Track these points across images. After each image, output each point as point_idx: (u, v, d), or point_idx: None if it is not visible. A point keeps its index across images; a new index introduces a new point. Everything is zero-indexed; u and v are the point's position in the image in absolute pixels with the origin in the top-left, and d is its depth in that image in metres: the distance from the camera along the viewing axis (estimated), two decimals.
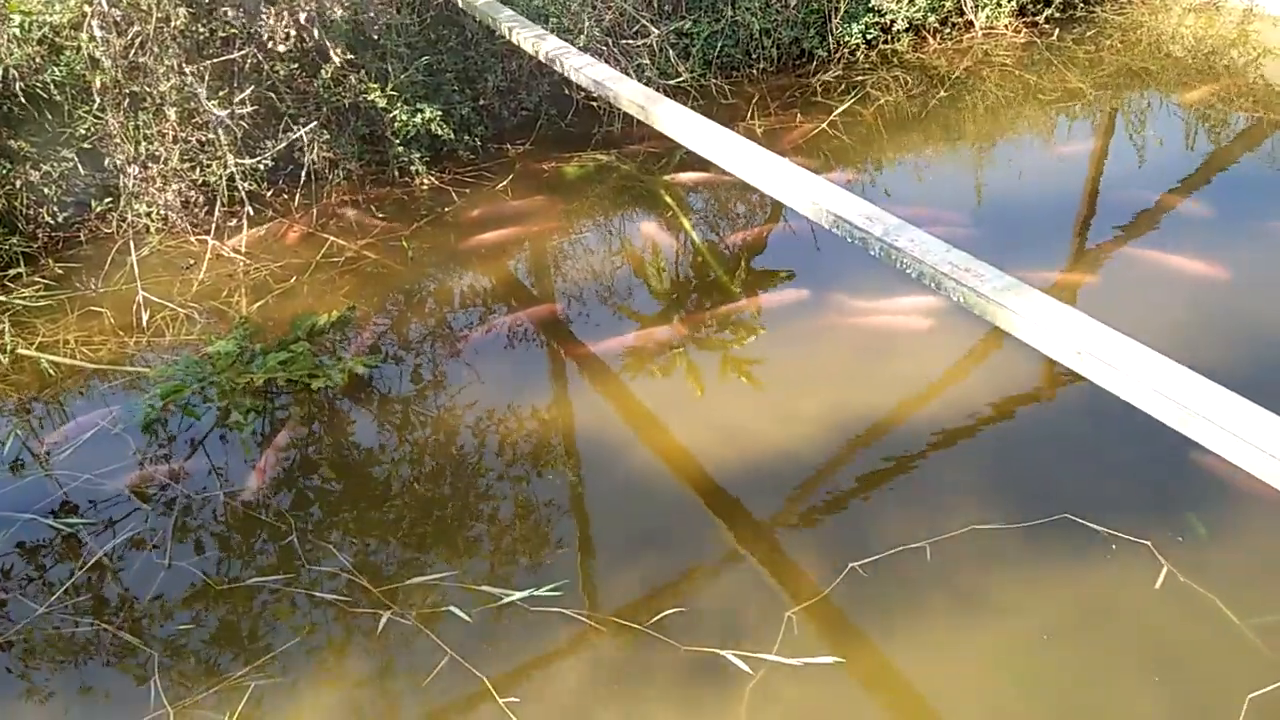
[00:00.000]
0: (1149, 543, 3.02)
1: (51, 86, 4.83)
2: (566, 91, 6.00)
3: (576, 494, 3.46)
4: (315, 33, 4.83)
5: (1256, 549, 3.05)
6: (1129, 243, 4.72)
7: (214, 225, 4.93)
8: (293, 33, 4.67)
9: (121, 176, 4.97)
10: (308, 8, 4.76)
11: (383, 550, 3.24)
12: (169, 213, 4.99)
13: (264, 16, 4.70)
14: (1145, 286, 4.34)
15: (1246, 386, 2.24)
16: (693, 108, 3.94)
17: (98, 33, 4.70)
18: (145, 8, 4.71)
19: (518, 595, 2.98)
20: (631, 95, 4.06)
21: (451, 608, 2.96)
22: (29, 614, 3.04)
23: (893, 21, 6.82)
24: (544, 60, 4.75)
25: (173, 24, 4.74)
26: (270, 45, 4.74)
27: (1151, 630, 2.80)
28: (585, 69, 4.39)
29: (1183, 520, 3.09)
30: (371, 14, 5.04)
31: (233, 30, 4.88)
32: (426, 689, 2.75)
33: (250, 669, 2.84)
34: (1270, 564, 3.01)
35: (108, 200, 5.01)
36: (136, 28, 4.76)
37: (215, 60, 4.87)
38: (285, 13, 4.70)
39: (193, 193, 5.03)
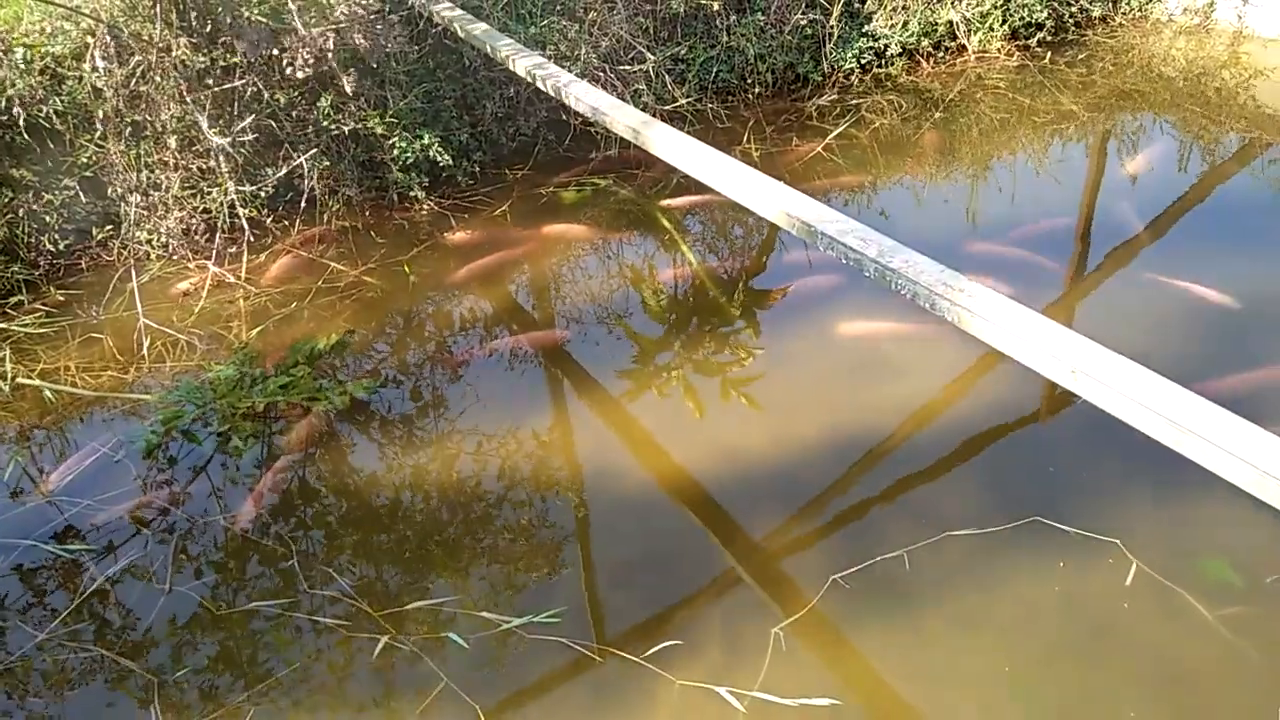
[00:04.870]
0: (1117, 541, 3.08)
1: (54, 116, 4.88)
2: (564, 117, 6.05)
3: (575, 517, 3.47)
4: (330, 63, 4.89)
5: (1213, 541, 3.13)
6: (1124, 263, 4.75)
7: (215, 252, 4.96)
8: (312, 59, 4.73)
9: (123, 204, 5.02)
10: (328, 36, 4.82)
11: (383, 574, 3.25)
12: (170, 240, 5.03)
13: (285, 44, 4.76)
14: (1140, 306, 4.36)
15: (1240, 405, 2.26)
16: (689, 132, 3.98)
17: (100, 63, 4.76)
18: (147, 38, 4.78)
19: (516, 622, 2.98)
20: (628, 122, 4.10)
21: (450, 634, 2.96)
22: (29, 640, 3.04)
23: (886, 46, 6.89)
24: (541, 87, 4.80)
25: (174, 54, 4.80)
26: (290, 72, 4.79)
27: (1143, 639, 2.82)
28: (582, 95, 4.43)
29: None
30: (384, 42, 5.10)
31: (234, 59, 4.93)
32: (420, 716, 2.75)
33: (249, 695, 2.84)
34: (1226, 554, 3.08)
35: (109, 228, 5.05)
36: (138, 58, 4.82)
37: (216, 89, 4.93)
38: (307, 40, 4.75)
39: (193, 220, 5.07)
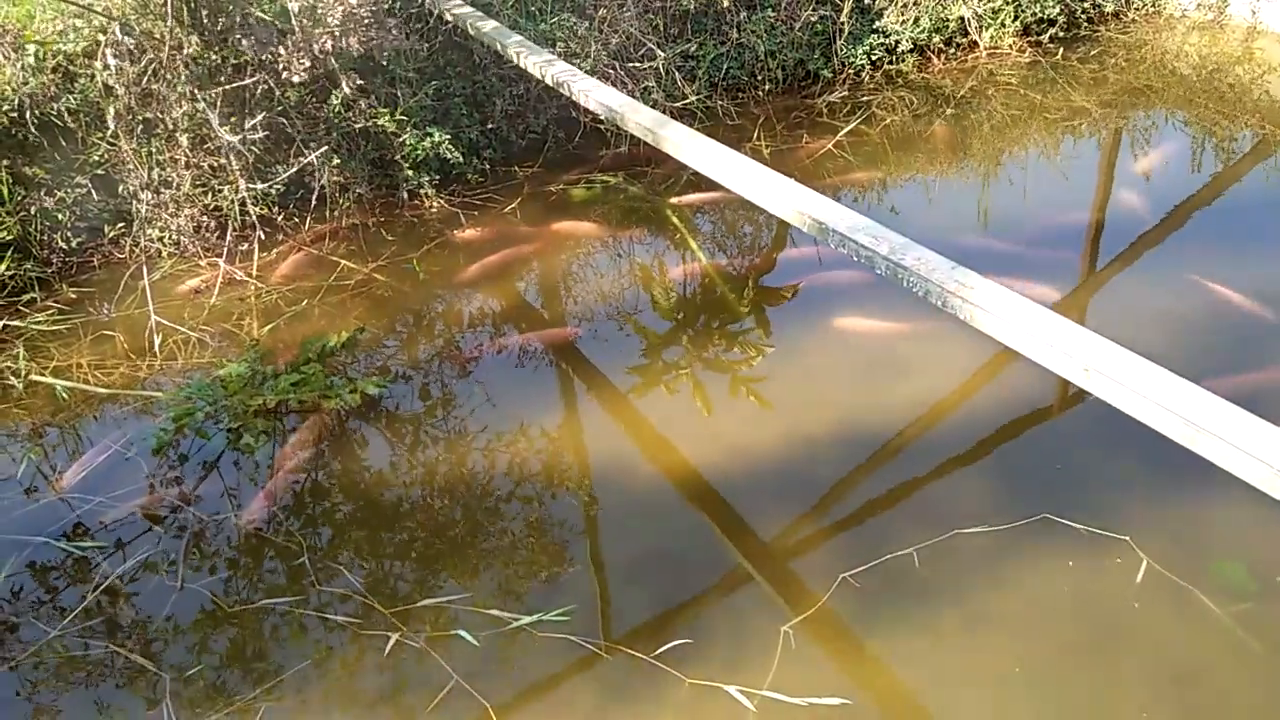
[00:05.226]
0: (1128, 538, 3.08)
1: (65, 114, 4.90)
2: (574, 114, 6.05)
3: (584, 515, 3.47)
4: (332, 63, 4.90)
5: (1225, 538, 3.13)
6: (1136, 260, 4.72)
7: (226, 249, 4.97)
8: (308, 63, 4.74)
9: (134, 202, 5.03)
10: (322, 40, 4.83)
11: (393, 572, 3.25)
12: (181, 237, 5.05)
13: (280, 48, 4.77)
14: (1153, 303, 4.33)
15: (1253, 403, 2.25)
16: (699, 129, 3.97)
17: (111, 61, 4.78)
18: (158, 36, 4.79)
19: (526, 620, 2.99)
20: (641, 120, 4.09)
21: (460, 631, 2.96)
22: (42, 636, 3.06)
23: (897, 42, 6.86)
24: (553, 85, 4.79)
25: (185, 52, 4.81)
26: (285, 76, 4.81)
27: (1154, 637, 2.81)
28: (594, 93, 4.43)
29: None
30: (385, 43, 5.11)
31: (244, 57, 4.94)
32: (432, 713, 2.75)
33: (260, 691, 2.85)
34: (1230, 553, 3.08)
35: (121, 225, 5.07)
36: (149, 56, 4.84)
37: (227, 87, 4.94)
38: (301, 45, 4.77)
39: (205, 217, 5.09)
